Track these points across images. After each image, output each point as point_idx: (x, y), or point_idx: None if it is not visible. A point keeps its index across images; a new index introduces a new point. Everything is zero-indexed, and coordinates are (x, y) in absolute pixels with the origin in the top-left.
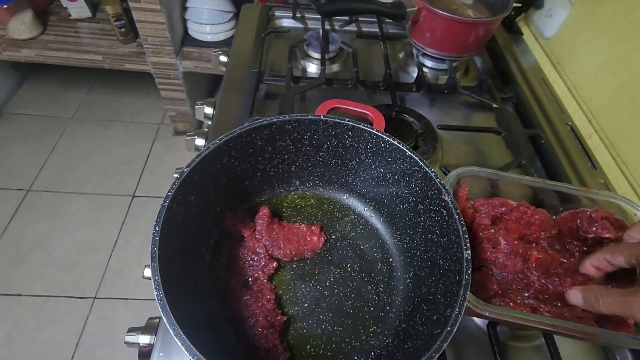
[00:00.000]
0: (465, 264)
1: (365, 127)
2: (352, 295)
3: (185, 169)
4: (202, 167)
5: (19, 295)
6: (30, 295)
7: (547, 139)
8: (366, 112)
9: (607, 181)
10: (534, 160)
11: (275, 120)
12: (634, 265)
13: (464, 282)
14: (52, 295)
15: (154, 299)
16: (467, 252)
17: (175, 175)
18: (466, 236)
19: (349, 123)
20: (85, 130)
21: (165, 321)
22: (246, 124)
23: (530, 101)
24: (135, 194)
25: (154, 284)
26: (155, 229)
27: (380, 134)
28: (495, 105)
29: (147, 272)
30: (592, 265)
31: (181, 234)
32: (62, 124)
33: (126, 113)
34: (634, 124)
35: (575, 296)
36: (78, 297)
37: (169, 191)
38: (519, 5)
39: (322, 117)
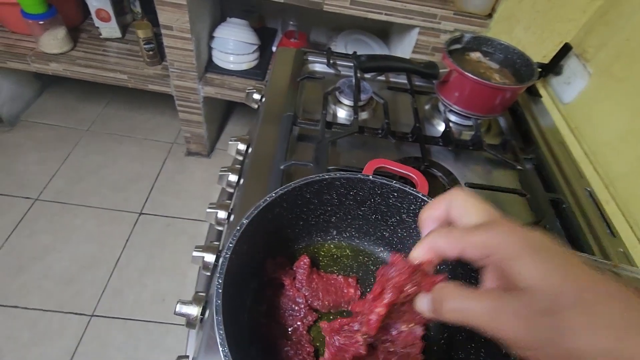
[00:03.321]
0: None
1: (411, 190)
2: None
3: (245, 221)
4: (258, 218)
5: (15, 307)
6: (25, 308)
7: (568, 204)
8: (411, 174)
9: (626, 250)
10: (554, 224)
11: (327, 177)
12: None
13: (512, 357)
14: (49, 309)
15: (151, 321)
16: None
17: (210, 210)
18: None
19: (395, 185)
20: (99, 143)
21: None
22: (300, 180)
23: (551, 164)
24: (143, 212)
25: (219, 339)
26: (218, 281)
27: (426, 199)
28: (519, 167)
29: (180, 308)
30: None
31: (234, 282)
32: (76, 135)
33: (141, 130)
34: None
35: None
36: (75, 313)
37: (230, 242)
38: (539, 70)
39: (371, 177)
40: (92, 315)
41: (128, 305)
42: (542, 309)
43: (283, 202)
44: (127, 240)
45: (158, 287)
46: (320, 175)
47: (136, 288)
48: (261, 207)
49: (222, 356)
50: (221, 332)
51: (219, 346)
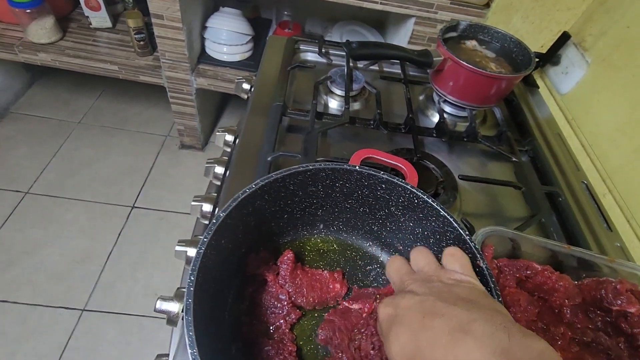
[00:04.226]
0: None
1: (399, 182)
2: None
3: (221, 214)
4: (237, 211)
5: (5, 301)
6: (16, 303)
7: (564, 197)
8: (400, 165)
9: (623, 244)
10: (550, 217)
11: (311, 167)
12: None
13: None
14: (39, 304)
15: (144, 316)
16: None
17: (194, 203)
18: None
19: (383, 176)
20: (91, 136)
21: None
22: (282, 170)
23: (547, 156)
24: (135, 205)
25: (188, 340)
26: (190, 279)
27: (415, 190)
28: (514, 159)
29: (160, 305)
30: None
31: (211, 279)
32: (68, 128)
33: (133, 122)
34: None
35: None
36: (66, 308)
37: (205, 237)
38: (536, 59)
39: (357, 167)
40: (83, 310)
41: (120, 299)
42: None
43: (264, 194)
44: (119, 235)
45: (150, 281)
46: (304, 165)
47: (128, 282)
48: (239, 199)
49: (191, 359)
50: (191, 333)
51: (188, 348)
